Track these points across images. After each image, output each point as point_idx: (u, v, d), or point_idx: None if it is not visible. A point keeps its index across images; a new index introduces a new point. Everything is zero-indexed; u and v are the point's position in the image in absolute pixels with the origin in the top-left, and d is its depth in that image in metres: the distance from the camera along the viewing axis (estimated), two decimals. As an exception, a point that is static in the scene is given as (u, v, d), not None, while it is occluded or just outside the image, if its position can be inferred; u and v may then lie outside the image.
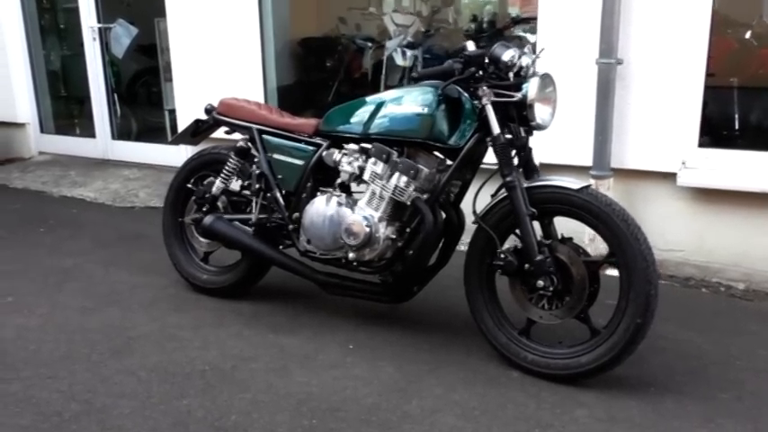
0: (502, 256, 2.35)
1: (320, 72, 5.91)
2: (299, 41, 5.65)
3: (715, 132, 3.50)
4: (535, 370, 2.35)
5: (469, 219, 2.54)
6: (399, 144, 2.52)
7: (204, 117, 3.08)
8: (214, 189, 2.95)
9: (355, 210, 2.55)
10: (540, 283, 2.26)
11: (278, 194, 2.78)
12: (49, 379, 2.35)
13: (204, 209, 2.98)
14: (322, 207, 2.62)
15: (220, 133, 3.12)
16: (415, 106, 2.44)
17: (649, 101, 3.32)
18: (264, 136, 2.84)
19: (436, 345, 2.61)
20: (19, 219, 4.40)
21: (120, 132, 5.76)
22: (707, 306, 3.04)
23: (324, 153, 2.67)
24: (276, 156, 2.80)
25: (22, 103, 5.87)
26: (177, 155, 5.11)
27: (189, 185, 3.08)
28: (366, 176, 2.52)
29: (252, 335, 2.71)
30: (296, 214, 2.73)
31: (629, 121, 3.38)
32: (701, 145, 3.30)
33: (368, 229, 2.48)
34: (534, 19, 5.33)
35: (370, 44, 5.82)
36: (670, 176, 3.34)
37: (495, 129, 2.32)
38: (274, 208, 2.80)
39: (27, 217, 4.43)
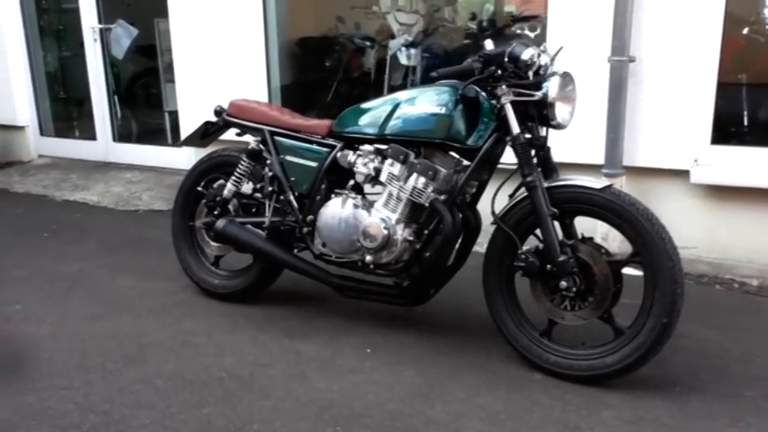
0: (523, 257, 2.32)
1: (320, 72, 5.87)
2: (297, 41, 5.61)
3: (727, 129, 3.47)
4: (558, 372, 2.32)
5: (486, 219, 2.52)
6: (415, 145, 2.48)
7: (213, 119, 3.04)
8: (225, 192, 2.90)
9: (372, 212, 2.52)
10: (564, 284, 2.23)
11: (291, 197, 2.74)
12: (64, 390, 2.31)
13: (215, 212, 2.93)
14: (338, 209, 2.58)
15: (229, 135, 3.08)
16: (432, 106, 2.41)
17: (661, 98, 3.30)
18: (277, 138, 2.80)
19: (454, 347, 2.58)
20: (22, 224, 4.35)
21: (121, 134, 5.71)
22: (723, 303, 3.02)
23: (338, 154, 2.63)
24: (289, 158, 2.76)
25: (21, 105, 5.81)
26: (179, 157, 5.08)
27: (199, 188, 3.03)
28: (383, 178, 2.49)
29: (267, 340, 2.67)
30: (310, 217, 2.69)
31: (641, 118, 3.35)
32: (714, 142, 3.28)
33: (386, 232, 2.45)
34: (535, 17, 5.33)
35: (369, 43, 5.79)
36: (682, 174, 3.32)
37: (515, 128, 2.29)
38: (288, 211, 2.76)
39: (30, 222, 4.38)
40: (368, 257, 2.52)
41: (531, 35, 5.12)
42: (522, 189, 2.35)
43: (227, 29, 4.60)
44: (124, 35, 5.56)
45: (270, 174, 2.78)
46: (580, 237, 2.35)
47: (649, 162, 3.38)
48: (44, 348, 2.61)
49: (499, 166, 2.51)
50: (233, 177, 2.89)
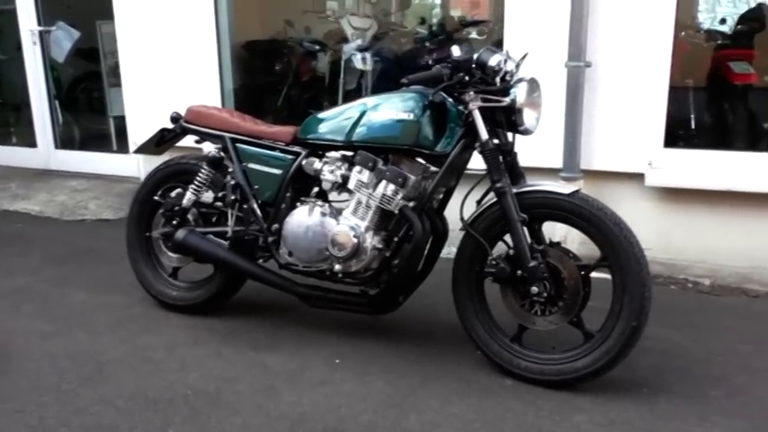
0: (494, 263, 2.32)
1: (270, 76, 5.79)
2: (245, 44, 5.51)
3: (679, 133, 3.58)
4: (529, 377, 2.33)
5: (454, 226, 2.51)
6: (383, 151, 2.45)
7: (169, 125, 2.94)
8: (185, 201, 2.81)
9: (340, 220, 2.48)
10: (535, 289, 2.24)
11: (255, 205, 2.67)
12: (17, 413, 2.18)
13: (174, 222, 2.83)
14: (304, 218, 2.53)
15: (186, 142, 2.98)
16: (399, 112, 2.39)
17: (617, 103, 3.37)
18: (238, 145, 2.72)
19: (423, 355, 2.56)
20: (-42, 236, 4.12)
21: (63, 141, 5.49)
22: (679, 303, 3.09)
23: (304, 162, 2.58)
24: (252, 165, 2.69)
25: (-48, 111, 5.52)
26: (128, 164, 4.92)
27: (156, 198, 2.92)
28: (351, 185, 2.45)
29: (231, 353, 2.59)
30: (275, 226, 2.63)
31: (598, 123, 3.42)
32: (667, 145, 3.37)
33: (355, 240, 2.41)
34: (483, 22, 5.39)
35: (318, 47, 5.75)
36: (637, 177, 3.40)
37: (484, 134, 2.29)
38: (251, 220, 2.68)
39: (-33, 234, 4.15)
40: (336, 266, 2.47)
41: (480, 39, 5.19)
42: (491, 195, 2.36)
43: (178, 31, 4.47)
44: (65, 38, 5.38)
45: (232, 182, 2.70)
46: (549, 241, 2.36)
47: (606, 165, 3.45)
48: (-8, 370, 2.47)
49: (466, 172, 2.51)
50: (192, 186, 2.80)
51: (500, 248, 2.39)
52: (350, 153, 2.53)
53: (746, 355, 2.55)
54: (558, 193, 2.26)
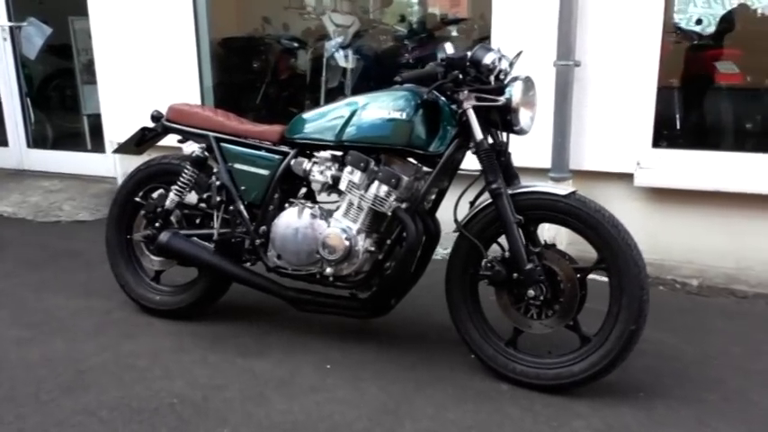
0: (489, 265, 2.28)
1: (248, 73, 5.70)
2: (224, 41, 5.41)
3: (667, 132, 3.57)
4: (525, 381, 2.28)
5: (446, 227, 2.46)
6: (374, 151, 2.39)
7: (150, 124, 2.84)
8: (167, 203, 2.71)
9: (331, 222, 2.41)
10: (531, 292, 2.20)
11: (241, 207, 2.59)
12: (-6, 426, 2.08)
13: (156, 224, 2.74)
14: (293, 220, 2.45)
15: (167, 141, 2.89)
16: (392, 112, 2.33)
17: (605, 102, 3.35)
18: (223, 144, 2.64)
19: (416, 359, 2.51)
20: (-74, 239, 3.96)
21: (36, 140, 5.33)
22: (669, 304, 3.08)
23: (292, 162, 2.51)
24: (238, 165, 2.61)
25: None
26: (103, 164, 4.79)
27: (137, 199, 2.82)
28: (342, 186, 2.38)
29: (218, 360, 2.51)
30: (263, 228, 2.55)
31: (587, 122, 3.39)
32: (655, 145, 3.36)
33: (347, 243, 2.34)
34: (463, 20, 5.36)
35: (296, 44, 5.68)
36: (626, 177, 3.38)
37: (479, 134, 2.24)
38: (238, 222, 2.60)
39: (-64, 236, 4.00)
40: (328, 270, 2.40)
41: (461, 37, 5.17)
42: (485, 196, 2.31)
43: (155, 27, 4.36)
44: (36, 34, 5.23)
45: (217, 183, 2.62)
46: (544, 243, 2.32)
47: (595, 166, 3.42)
48: (-34, 380, 2.35)
49: (459, 172, 2.46)
50: (175, 187, 2.71)
51: (494, 250, 2.35)
52: (339, 153, 2.47)
53: (740, 357, 2.54)
54: (554, 194, 2.22)
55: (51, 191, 4.71)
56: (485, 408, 2.20)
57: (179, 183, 2.70)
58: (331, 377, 2.38)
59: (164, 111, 2.82)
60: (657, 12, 3.21)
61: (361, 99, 2.42)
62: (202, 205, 2.72)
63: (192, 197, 2.75)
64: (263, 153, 2.58)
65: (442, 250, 2.57)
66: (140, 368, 2.44)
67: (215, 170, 2.64)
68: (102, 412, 2.15)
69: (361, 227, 2.37)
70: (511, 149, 2.36)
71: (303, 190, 2.63)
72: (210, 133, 2.66)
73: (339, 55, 4.78)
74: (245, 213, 2.58)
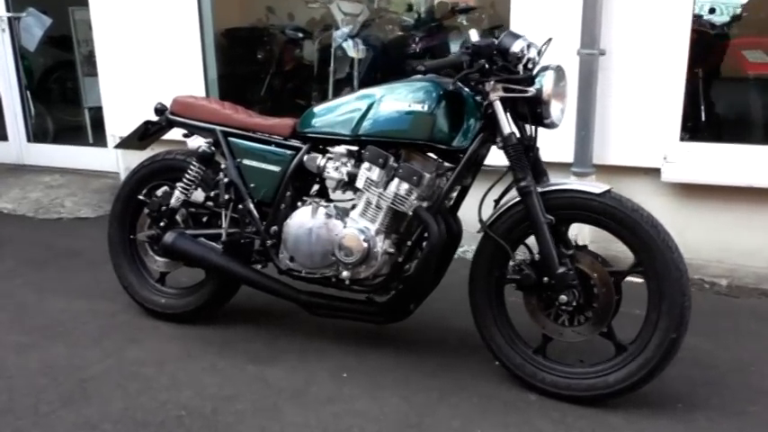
0: (517, 268, 2.13)
1: (252, 64, 5.57)
2: (229, 31, 5.28)
3: (696, 125, 3.42)
4: (556, 392, 2.14)
5: (467, 225, 2.32)
6: (392, 146, 2.24)
7: (154, 118, 2.70)
8: (173, 201, 2.57)
9: (347, 222, 2.26)
10: (564, 298, 2.05)
11: (251, 206, 2.44)
12: (-10, 442, 1.95)
13: (161, 224, 2.60)
14: (307, 220, 2.31)
15: (172, 135, 2.74)
16: (412, 104, 2.17)
17: (631, 93, 3.19)
18: (231, 139, 2.50)
19: (437, 367, 2.37)
20: (-77, 237, 3.83)
21: (36, 134, 5.19)
22: (699, 306, 2.87)
23: (305, 157, 2.36)
24: (247, 161, 2.46)
25: None
26: (105, 159, 4.66)
27: (140, 197, 2.68)
28: (360, 184, 2.23)
29: (228, 367, 2.37)
30: (274, 228, 2.40)
31: (610, 114, 3.24)
32: (683, 139, 3.21)
33: (365, 244, 2.19)
34: (473, 8, 5.20)
35: (301, 35, 5.54)
36: (652, 172, 3.24)
37: (506, 128, 2.09)
38: (247, 221, 2.46)
39: (-67, 234, 3.86)
40: (344, 273, 2.26)
41: (468, 25, 5.03)
42: (511, 194, 2.17)
43: (157, 16, 4.21)
44: (36, 25, 5.11)
45: (225, 180, 2.47)
46: (575, 244, 2.18)
47: (619, 160, 3.27)
48: (-39, 390, 2.22)
49: (482, 168, 2.31)
50: (181, 184, 2.56)
51: (521, 252, 2.21)
52: (355, 148, 2.32)
53: (780, 363, 2.40)
54: (588, 192, 2.07)
55: (52, 186, 4.58)
56: (513, 420, 2.06)
57: (184, 180, 2.56)
58: (348, 386, 2.25)
59: (168, 103, 2.67)
60: (687, -3, 3.05)
61: (378, 90, 2.26)
62: (209, 203, 2.57)
63: (198, 195, 2.60)
64: (273, 148, 2.43)
65: (459, 249, 2.43)
66: (146, 377, 2.30)
67: (222, 166, 2.50)
68: (105, 425, 2.02)
69: (380, 227, 2.23)
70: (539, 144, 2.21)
71: (315, 187, 2.48)
72: (218, 127, 2.52)
73: (348, 45, 4.62)
74: (254, 212, 2.44)
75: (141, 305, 2.74)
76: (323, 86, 5.26)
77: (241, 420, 2.05)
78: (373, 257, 2.22)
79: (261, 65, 5.55)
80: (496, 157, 2.24)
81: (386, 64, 5.12)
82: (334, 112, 2.33)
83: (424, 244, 2.25)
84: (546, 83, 2.04)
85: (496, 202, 2.24)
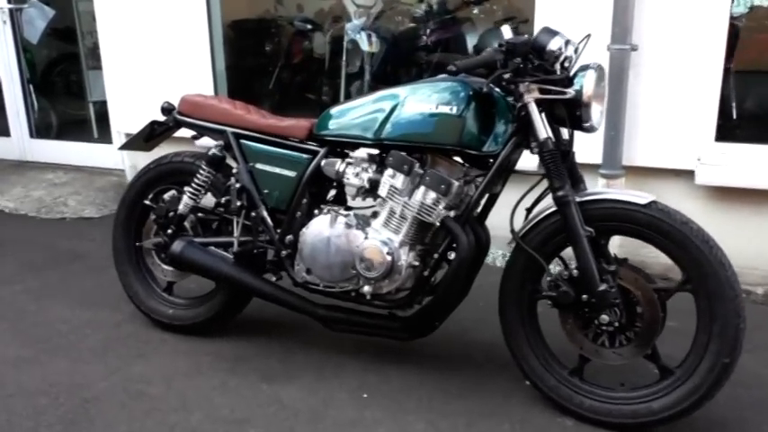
0: (553, 284, 1.97)
1: (260, 58, 5.43)
2: (236, 23, 5.12)
3: (733, 124, 3.24)
4: (594, 418, 1.98)
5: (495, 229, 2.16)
6: (416, 150, 2.08)
7: (161, 117, 2.54)
8: (181, 207, 2.42)
9: (369, 232, 2.10)
10: (605, 318, 1.90)
11: (264, 213, 2.29)
12: (-15, 472, 1.81)
13: (168, 231, 2.45)
14: (325, 229, 2.15)
15: (180, 134, 2.59)
16: (440, 105, 2.01)
17: (663, 91, 3.01)
18: (244, 141, 2.34)
19: (463, 387, 2.21)
20: None
21: (39, 129, 5.04)
22: (736, 316, 2.76)
23: (323, 162, 2.20)
24: (260, 166, 2.31)
25: None
26: (110, 155, 4.51)
27: (146, 202, 2.53)
28: (383, 192, 2.07)
29: (240, 386, 2.22)
30: (289, 237, 2.25)
31: (640, 113, 3.06)
32: (719, 139, 3.03)
33: (389, 258, 2.04)
34: (486, 0, 5.02)
35: (309, 27, 5.39)
36: (685, 174, 3.06)
37: (542, 132, 1.93)
38: (260, 229, 2.30)
39: (-69, 235, 3.72)
40: (366, 287, 2.10)
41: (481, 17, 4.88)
42: (544, 202, 2.01)
43: (164, 7, 4.04)
44: (38, 16, 4.95)
45: (237, 185, 2.32)
46: (615, 258, 2.01)
47: (649, 161, 3.09)
48: (-44, 411, 2.08)
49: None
50: (190, 189, 2.41)
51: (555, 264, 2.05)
52: (375, 151, 2.16)
53: (831, 383, 2.24)
54: (631, 203, 1.90)
55: (56, 184, 4.43)
56: (549, 449, 1.91)
57: (193, 184, 2.40)
58: (370, 408, 2.10)
59: (175, 102, 2.51)
60: (725, -11, 2.86)
61: (402, 91, 2.10)
62: (220, 210, 2.42)
63: (208, 201, 2.45)
64: (288, 152, 2.27)
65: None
66: (152, 396, 2.16)
67: (234, 171, 2.34)
68: (110, 454, 1.88)
69: (404, 239, 2.07)
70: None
71: (332, 193, 2.33)
72: (228, 128, 2.36)
73: (362, 38, 4.44)
74: (268, 220, 2.28)
75: (148, 315, 2.60)
76: (333, 80, 5.11)
77: (255, 447, 1.91)
78: (397, 271, 2.06)
79: (269, 58, 5.40)
80: (528, 162, 2.08)
81: (397, 57, 4.97)
82: (354, 114, 2.17)
83: (451, 255, 2.10)
84: (587, 83, 1.88)
85: (528, 211, 2.09)
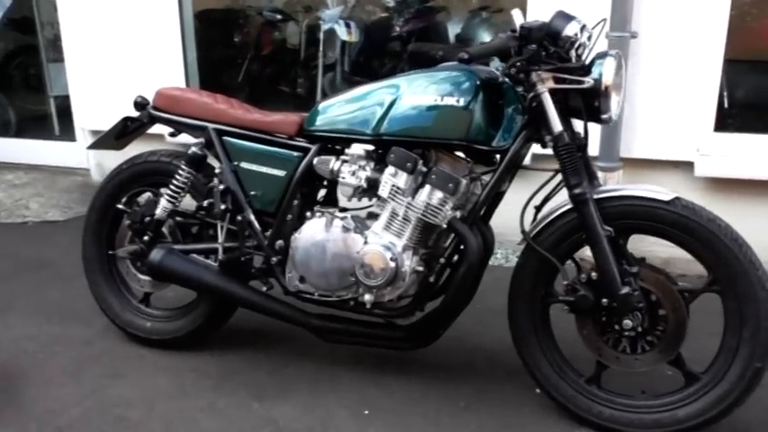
0: (570, 287, 1.83)
1: (228, 49, 5.23)
2: (196, 14, 4.90)
3: (733, 114, 3.15)
4: (614, 428, 1.86)
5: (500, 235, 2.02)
6: (418, 146, 1.92)
7: (134, 113, 2.33)
8: (159, 211, 2.21)
9: (369, 236, 1.93)
10: (628, 323, 1.76)
11: (251, 217, 2.10)
12: None
13: (145, 237, 2.24)
14: (320, 233, 1.97)
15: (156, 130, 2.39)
16: (444, 97, 1.85)
17: (662, 80, 2.91)
18: (227, 138, 2.15)
19: (471, 398, 2.07)
20: None
21: (-4, 127, 4.76)
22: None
23: (315, 160, 2.02)
24: (245, 165, 2.12)
25: None
26: (74, 154, 4.25)
27: (119, 206, 2.32)
28: (384, 192, 1.90)
29: (229, 406, 2.04)
30: (279, 242, 2.07)
31: (638, 103, 2.95)
32: (718, 129, 2.94)
33: (392, 263, 1.87)
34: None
35: (279, 17, 5.22)
36: (684, 165, 2.97)
37: (557, 125, 1.79)
38: (247, 234, 2.12)
39: None
40: (366, 296, 1.93)
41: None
42: (556, 200, 1.87)
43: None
44: (-5, 6, 4.66)
45: (220, 187, 2.13)
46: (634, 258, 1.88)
47: (647, 153, 2.99)
48: None
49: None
50: (168, 191, 2.21)
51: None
52: (372, 148, 2.00)
53: None
54: (653, 200, 1.77)
55: (15, 185, 4.15)
56: (569, 465, 1.78)
57: (172, 186, 2.20)
58: (374, 426, 1.94)
59: (150, 96, 2.31)
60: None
61: (403, 81, 1.93)
62: (201, 213, 2.22)
63: (188, 204, 2.25)
64: (277, 149, 2.09)
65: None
66: (133, 421, 1.96)
67: (217, 170, 2.15)
68: (89, 491, 1.68)
69: (408, 242, 1.90)
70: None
71: (322, 192, 2.16)
72: (210, 124, 2.16)
73: (340, 27, 4.25)
74: (256, 224, 2.09)
75: (123, 330, 2.38)
76: (308, 72, 4.93)
77: (251, 476, 1.73)
78: (401, 277, 1.90)
79: (238, 49, 5.21)
80: (537, 157, 1.94)
81: (374, 47, 4.82)
82: (349, 107, 1.99)
83: (456, 258, 1.95)
84: (606, 72, 1.74)
85: (537, 209, 1.95)
